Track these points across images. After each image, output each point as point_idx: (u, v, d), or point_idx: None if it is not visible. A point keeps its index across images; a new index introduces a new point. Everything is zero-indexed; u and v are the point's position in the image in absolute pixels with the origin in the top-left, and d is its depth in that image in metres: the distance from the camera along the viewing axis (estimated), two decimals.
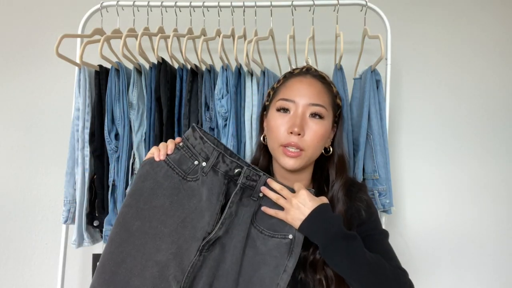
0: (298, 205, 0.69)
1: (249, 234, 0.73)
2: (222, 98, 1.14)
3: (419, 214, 1.55)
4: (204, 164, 0.74)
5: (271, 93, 0.84)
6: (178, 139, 0.77)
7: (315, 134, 0.74)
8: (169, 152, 0.75)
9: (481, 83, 1.53)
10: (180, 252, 0.71)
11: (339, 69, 1.21)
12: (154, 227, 0.72)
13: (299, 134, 0.73)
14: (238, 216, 0.73)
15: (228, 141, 1.14)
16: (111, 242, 0.71)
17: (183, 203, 0.73)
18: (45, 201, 1.59)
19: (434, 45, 1.54)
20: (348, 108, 1.20)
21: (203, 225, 0.72)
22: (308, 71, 0.81)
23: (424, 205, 1.55)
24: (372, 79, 1.16)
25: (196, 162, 0.75)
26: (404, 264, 0.76)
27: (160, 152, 0.75)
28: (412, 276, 0.73)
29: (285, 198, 0.71)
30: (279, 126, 0.75)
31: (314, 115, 0.75)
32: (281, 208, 0.72)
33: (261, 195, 0.74)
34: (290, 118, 0.74)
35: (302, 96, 0.75)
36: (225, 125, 1.16)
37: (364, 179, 1.19)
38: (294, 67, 1.23)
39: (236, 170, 0.74)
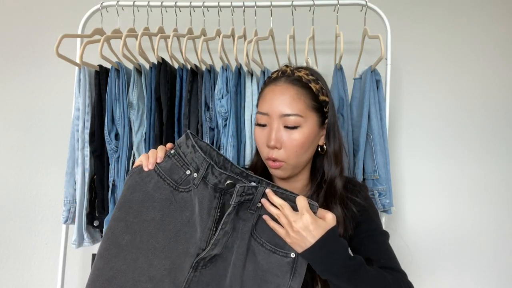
0: (300, 233, 0.63)
1: (250, 247, 0.69)
2: (222, 98, 1.14)
3: (419, 214, 1.55)
4: (195, 175, 0.69)
5: (258, 101, 0.81)
6: (169, 145, 0.73)
7: (291, 144, 0.72)
8: (158, 161, 0.70)
9: (481, 83, 1.53)
10: (174, 267, 0.69)
11: (339, 69, 1.21)
12: (145, 241, 0.68)
13: (276, 147, 0.73)
14: (237, 231, 0.69)
15: (228, 141, 1.14)
16: (100, 258, 0.68)
17: (175, 216, 0.70)
18: (45, 201, 1.59)
19: (434, 45, 1.54)
20: (348, 108, 1.20)
21: (195, 240, 0.69)
22: (283, 75, 0.76)
23: (424, 205, 1.55)
24: (372, 79, 1.16)
25: (188, 172, 0.70)
26: (404, 265, 0.76)
27: (149, 160, 0.70)
28: (412, 276, 0.73)
29: (285, 215, 0.65)
30: (259, 140, 0.76)
31: (288, 125, 0.72)
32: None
33: (259, 205, 0.69)
34: (267, 132, 0.74)
35: (274, 108, 0.72)
36: (225, 125, 1.16)
37: (364, 179, 1.19)
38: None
39: (227, 182, 0.68)
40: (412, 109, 1.54)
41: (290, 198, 0.67)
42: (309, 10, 1.21)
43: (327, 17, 1.20)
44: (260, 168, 0.84)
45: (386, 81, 1.19)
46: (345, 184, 0.81)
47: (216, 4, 1.21)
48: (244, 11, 1.21)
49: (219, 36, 1.12)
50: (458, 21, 1.54)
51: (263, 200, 0.67)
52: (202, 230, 0.68)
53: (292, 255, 0.67)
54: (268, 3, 1.19)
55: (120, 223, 0.69)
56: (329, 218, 0.65)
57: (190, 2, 1.21)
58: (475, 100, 1.54)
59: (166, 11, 1.24)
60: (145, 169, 0.70)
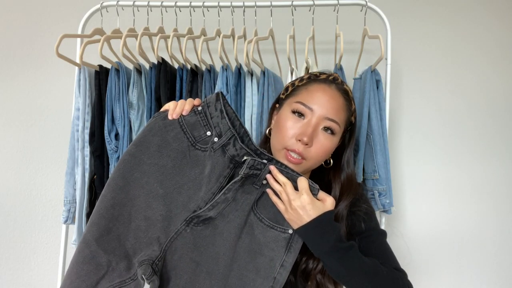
0: (297, 210, 0.66)
1: (248, 221, 0.72)
2: None
3: (419, 214, 1.55)
4: (216, 139, 0.71)
5: (290, 88, 0.80)
6: (198, 101, 0.73)
7: (321, 147, 0.73)
8: (184, 113, 0.72)
9: (482, 83, 1.53)
10: (170, 216, 0.71)
11: (339, 69, 1.21)
12: (151, 183, 0.71)
13: (306, 144, 0.71)
14: (236, 202, 0.71)
15: None
16: (107, 186, 0.71)
17: (185, 169, 0.72)
18: (45, 201, 1.60)
19: (434, 45, 1.54)
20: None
21: (197, 198, 0.71)
22: (334, 81, 0.77)
23: (424, 205, 1.55)
24: (372, 79, 1.16)
25: (208, 133, 0.72)
26: (404, 265, 0.76)
27: (176, 110, 0.72)
28: (412, 276, 0.73)
29: (287, 193, 0.68)
30: (289, 129, 0.73)
31: (326, 129, 0.73)
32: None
33: (264, 182, 0.71)
34: (303, 125, 0.72)
35: (322, 107, 0.72)
36: None
37: (364, 179, 1.19)
38: (294, 67, 1.24)
39: (244, 158, 0.71)
40: (412, 109, 1.54)
41: (293, 178, 0.69)
42: (309, 10, 1.21)
43: (327, 17, 1.20)
44: None
45: (386, 81, 1.19)
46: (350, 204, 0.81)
47: (216, 4, 1.21)
48: (244, 11, 1.21)
49: (219, 36, 1.12)
50: (458, 20, 1.54)
51: (268, 176, 0.70)
52: (206, 191, 0.70)
53: (290, 231, 0.71)
54: (268, 3, 1.19)
55: (133, 159, 0.72)
56: (328, 202, 0.68)
57: (190, 2, 1.21)
58: (475, 100, 1.54)
59: (166, 11, 1.24)
60: (170, 117, 0.72)
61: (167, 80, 1.15)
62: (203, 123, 0.72)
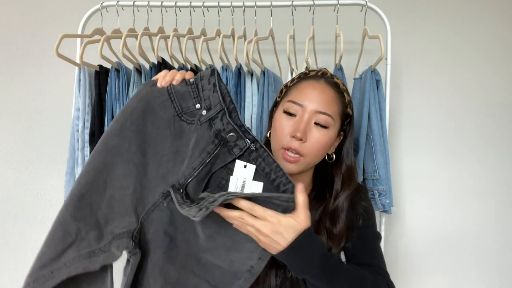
0: (271, 237, 0.59)
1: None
2: None
3: (419, 214, 1.55)
4: (204, 112, 0.68)
5: (283, 90, 0.82)
6: (189, 74, 0.72)
7: (317, 142, 0.73)
8: (174, 83, 0.70)
9: (482, 83, 1.53)
10: (148, 186, 0.69)
11: (339, 69, 1.21)
12: (131, 151, 0.68)
13: (301, 140, 0.72)
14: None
15: None
16: (93, 151, 0.69)
17: (168, 140, 0.69)
18: (45, 201, 1.59)
19: (434, 45, 1.54)
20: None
21: (177, 171, 0.68)
22: (323, 76, 0.79)
23: (424, 205, 1.55)
24: (372, 79, 1.16)
25: (197, 106, 0.69)
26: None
27: (166, 78, 0.70)
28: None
29: (249, 224, 0.60)
30: (283, 128, 0.74)
31: (319, 122, 0.73)
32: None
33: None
34: (295, 122, 0.73)
35: (311, 102, 0.73)
36: None
37: (364, 179, 1.19)
38: (294, 67, 1.24)
39: (230, 134, 0.67)
40: (412, 109, 1.54)
41: (273, 202, 0.61)
42: (309, 10, 1.21)
43: (327, 17, 1.20)
44: None
45: (386, 81, 1.19)
46: (352, 196, 0.80)
47: (216, 4, 1.21)
48: (244, 11, 1.21)
49: (219, 36, 1.12)
50: (458, 20, 1.54)
51: (217, 209, 0.62)
52: (187, 166, 0.67)
53: None
54: (268, 3, 1.19)
55: (116, 125, 0.69)
56: (301, 218, 0.61)
57: (190, 2, 1.21)
58: (475, 99, 1.54)
59: (166, 11, 1.24)
60: (159, 84, 0.70)
61: None
62: (193, 94, 0.69)
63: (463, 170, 1.54)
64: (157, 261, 0.69)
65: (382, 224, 1.24)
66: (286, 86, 0.82)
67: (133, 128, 0.68)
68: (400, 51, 1.48)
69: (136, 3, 1.22)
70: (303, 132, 0.71)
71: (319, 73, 0.79)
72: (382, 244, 1.22)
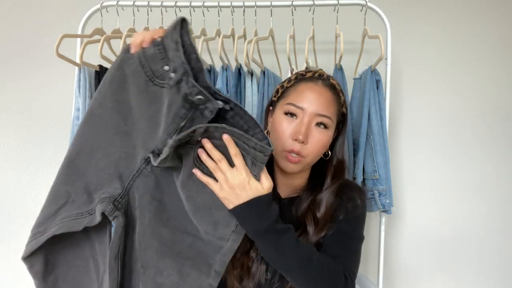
0: (235, 190, 0.63)
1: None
2: None
3: (419, 214, 1.55)
4: (172, 75, 0.64)
5: (280, 90, 0.83)
6: (159, 32, 0.67)
7: (317, 142, 0.75)
8: (144, 45, 0.67)
9: (482, 83, 1.53)
10: (133, 154, 0.70)
11: (339, 69, 1.21)
12: (114, 119, 0.69)
13: (302, 142, 0.73)
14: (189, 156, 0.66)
15: None
16: (81, 121, 0.72)
17: (143, 106, 0.68)
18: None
19: (434, 45, 1.54)
20: (348, 108, 1.20)
21: (156, 137, 0.67)
22: (320, 77, 0.80)
23: (424, 205, 1.55)
24: (372, 79, 1.16)
25: (166, 68, 0.66)
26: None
27: (136, 41, 0.67)
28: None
29: (222, 171, 0.64)
30: (284, 130, 0.75)
31: (319, 124, 0.75)
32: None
33: (199, 138, 0.64)
34: (296, 125, 0.74)
35: (311, 105, 0.75)
36: None
37: (364, 179, 1.19)
38: (294, 67, 1.24)
39: (197, 97, 0.63)
40: (412, 109, 1.54)
41: (243, 146, 0.62)
42: (309, 10, 1.21)
43: (327, 17, 1.20)
44: None
45: (386, 81, 1.19)
46: (341, 188, 0.81)
47: (216, 4, 1.21)
48: (244, 11, 1.21)
49: (219, 36, 1.12)
50: (458, 21, 1.54)
51: (200, 150, 0.64)
52: (163, 132, 0.65)
53: None
54: (268, 3, 1.19)
55: (99, 95, 0.71)
56: (266, 185, 0.65)
57: (190, 2, 1.21)
58: (475, 100, 1.54)
59: (166, 11, 1.24)
60: (132, 51, 0.68)
61: None
62: (160, 56, 0.66)
63: (463, 169, 1.54)
64: (148, 225, 0.69)
65: (382, 224, 1.24)
66: (282, 86, 0.83)
67: (113, 98, 0.69)
68: (400, 51, 1.48)
69: (136, 3, 1.22)
70: (305, 134, 0.73)
71: (316, 75, 0.80)
72: (381, 244, 1.23)
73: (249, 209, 0.64)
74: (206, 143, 0.63)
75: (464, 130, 1.54)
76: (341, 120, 0.83)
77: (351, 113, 1.22)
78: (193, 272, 0.69)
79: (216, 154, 0.63)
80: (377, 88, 1.18)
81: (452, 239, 1.55)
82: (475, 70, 1.54)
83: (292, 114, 0.76)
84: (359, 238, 0.78)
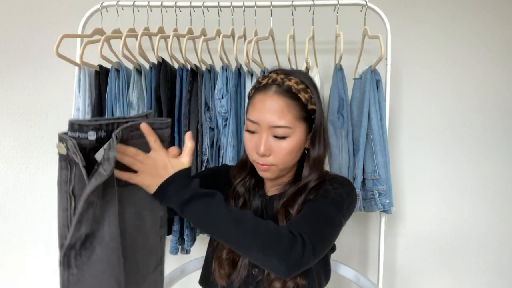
0: (157, 170, 0.65)
1: (121, 197, 0.62)
2: (222, 98, 1.14)
3: (419, 214, 1.55)
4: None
5: (248, 100, 0.83)
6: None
7: (281, 152, 0.75)
8: None
9: (482, 83, 1.53)
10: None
11: (339, 69, 1.21)
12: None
13: (264, 155, 0.75)
14: (103, 197, 0.59)
15: (228, 141, 1.14)
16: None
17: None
18: (45, 201, 1.60)
19: (434, 45, 1.54)
20: (348, 108, 1.20)
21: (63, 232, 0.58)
22: (273, 83, 0.75)
23: (424, 205, 1.55)
24: (372, 79, 1.16)
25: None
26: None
27: None
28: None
29: (141, 161, 0.64)
30: (248, 145, 0.78)
31: (276, 137, 0.74)
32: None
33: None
34: (256, 141, 0.75)
35: (264, 118, 0.73)
36: (225, 125, 1.16)
37: (364, 179, 1.19)
38: (294, 67, 1.24)
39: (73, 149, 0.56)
40: (412, 109, 1.54)
41: (137, 127, 0.63)
42: (309, 10, 1.21)
43: (327, 17, 1.20)
44: (250, 165, 0.85)
45: (386, 81, 1.19)
46: (322, 182, 0.79)
47: (216, 4, 1.21)
48: (244, 11, 1.21)
49: (219, 36, 1.12)
50: (458, 21, 1.54)
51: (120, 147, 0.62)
52: (60, 216, 0.57)
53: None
54: (268, 3, 1.19)
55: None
56: (185, 159, 0.69)
57: (190, 2, 1.21)
58: (475, 100, 1.54)
59: (166, 11, 1.24)
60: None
61: (167, 80, 1.15)
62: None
63: (464, 169, 1.54)
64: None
65: (382, 224, 1.24)
66: (249, 94, 0.83)
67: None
68: (400, 51, 1.48)
69: (136, 3, 1.22)
70: (265, 148, 0.74)
71: (269, 81, 0.76)
72: (381, 245, 1.23)
73: (171, 184, 0.65)
74: (120, 146, 0.61)
75: (465, 130, 1.54)
76: (312, 118, 0.78)
77: (351, 113, 1.22)
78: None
79: (130, 150, 0.63)
80: (377, 88, 1.18)
81: (452, 239, 1.55)
82: (475, 70, 1.54)
83: (251, 131, 0.76)
84: (333, 219, 0.71)
